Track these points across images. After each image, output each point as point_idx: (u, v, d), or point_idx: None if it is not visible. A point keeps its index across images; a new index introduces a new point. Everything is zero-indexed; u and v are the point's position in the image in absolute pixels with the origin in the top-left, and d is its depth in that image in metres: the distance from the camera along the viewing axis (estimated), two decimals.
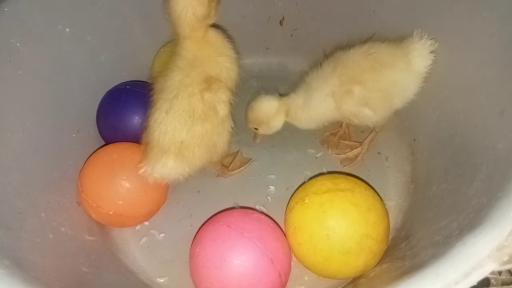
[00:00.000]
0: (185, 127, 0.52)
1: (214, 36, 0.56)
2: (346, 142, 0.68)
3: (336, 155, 0.67)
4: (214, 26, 0.56)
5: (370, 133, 0.66)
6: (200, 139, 0.53)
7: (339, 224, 0.47)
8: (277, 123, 0.64)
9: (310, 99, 0.60)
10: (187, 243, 0.54)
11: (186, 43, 0.54)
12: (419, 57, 0.57)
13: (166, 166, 0.53)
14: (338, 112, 0.60)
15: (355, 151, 0.67)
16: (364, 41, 0.61)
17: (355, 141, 0.68)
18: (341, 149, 0.68)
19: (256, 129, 0.65)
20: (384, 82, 0.57)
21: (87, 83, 0.64)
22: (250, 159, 0.67)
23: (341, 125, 0.69)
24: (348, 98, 0.57)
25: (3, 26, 0.52)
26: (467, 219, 0.37)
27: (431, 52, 0.57)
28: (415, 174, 0.61)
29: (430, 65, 0.57)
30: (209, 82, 0.53)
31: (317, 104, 0.60)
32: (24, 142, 0.51)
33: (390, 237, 0.53)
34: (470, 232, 0.32)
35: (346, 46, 0.61)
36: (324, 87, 0.59)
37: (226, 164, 0.66)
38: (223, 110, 0.54)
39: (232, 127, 0.58)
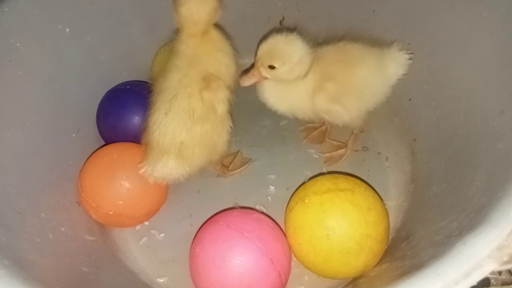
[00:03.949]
0: (184, 127, 0.52)
1: (214, 34, 0.56)
2: (332, 141, 0.68)
3: (321, 153, 0.67)
4: (214, 24, 0.57)
5: (351, 134, 0.66)
6: (200, 139, 0.53)
7: (339, 224, 0.47)
8: (301, 67, 0.55)
9: (298, 83, 0.57)
10: (187, 243, 0.54)
11: (187, 40, 0.55)
12: (393, 65, 0.59)
13: (166, 166, 0.53)
14: (311, 109, 0.59)
15: (340, 152, 0.67)
16: (339, 39, 0.61)
17: (340, 141, 0.68)
18: (326, 147, 0.68)
19: (272, 67, 0.54)
20: (354, 80, 0.57)
21: (87, 83, 0.64)
22: (250, 159, 0.67)
23: (324, 122, 0.69)
24: (322, 95, 0.57)
25: (3, 26, 0.52)
26: (467, 219, 0.37)
27: (405, 64, 0.59)
28: (415, 174, 0.61)
29: (401, 76, 0.59)
30: (207, 81, 0.53)
31: (299, 91, 0.57)
32: (24, 142, 0.51)
33: (390, 237, 0.53)
34: (470, 232, 0.32)
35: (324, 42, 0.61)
36: (309, 81, 0.57)
37: (226, 164, 0.66)
38: (221, 108, 0.54)
39: (231, 127, 0.58)
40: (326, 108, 0.58)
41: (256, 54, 0.55)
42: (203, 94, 0.52)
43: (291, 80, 0.56)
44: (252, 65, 0.57)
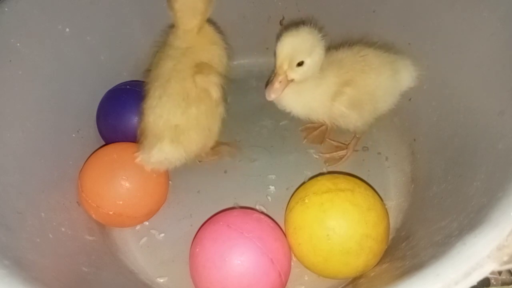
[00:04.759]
0: (179, 109, 0.52)
1: (209, 29, 0.58)
2: (332, 141, 0.68)
3: (321, 154, 0.67)
4: (211, 23, 0.58)
5: (353, 137, 0.66)
6: (196, 122, 0.54)
7: (339, 224, 0.47)
8: (319, 61, 0.53)
9: (318, 85, 0.56)
10: (187, 243, 0.54)
11: (183, 36, 0.55)
12: (405, 72, 0.60)
13: (162, 151, 0.53)
14: (328, 112, 0.58)
15: (340, 153, 0.67)
16: (352, 43, 0.61)
17: (340, 142, 0.68)
18: (326, 148, 0.68)
19: (300, 64, 0.52)
20: (371, 85, 0.57)
21: (87, 83, 0.64)
22: (234, 149, 0.67)
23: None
24: (342, 99, 0.57)
25: (3, 26, 0.52)
26: (467, 219, 0.37)
27: (415, 78, 0.60)
28: (415, 174, 0.61)
29: (410, 87, 0.60)
30: (200, 67, 0.54)
31: (320, 93, 0.57)
32: (24, 142, 0.51)
33: (390, 237, 0.53)
34: (470, 232, 0.32)
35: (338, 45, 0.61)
36: (330, 83, 0.57)
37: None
38: (216, 92, 0.55)
39: (224, 114, 0.58)
40: (344, 113, 0.57)
41: (277, 59, 0.52)
42: (195, 78, 0.53)
43: (311, 76, 0.54)
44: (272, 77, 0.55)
